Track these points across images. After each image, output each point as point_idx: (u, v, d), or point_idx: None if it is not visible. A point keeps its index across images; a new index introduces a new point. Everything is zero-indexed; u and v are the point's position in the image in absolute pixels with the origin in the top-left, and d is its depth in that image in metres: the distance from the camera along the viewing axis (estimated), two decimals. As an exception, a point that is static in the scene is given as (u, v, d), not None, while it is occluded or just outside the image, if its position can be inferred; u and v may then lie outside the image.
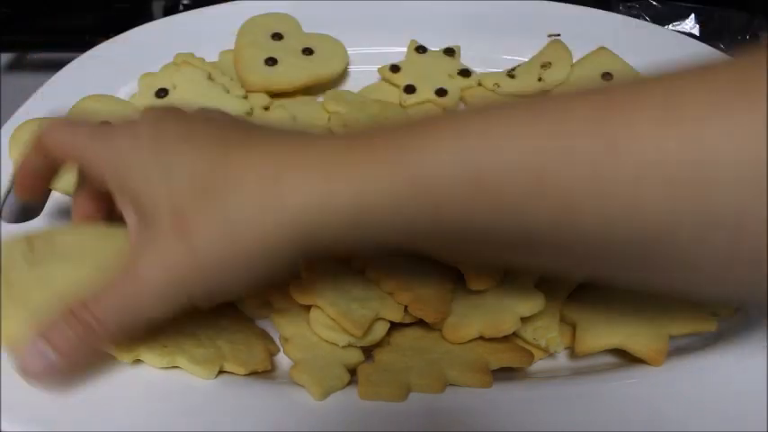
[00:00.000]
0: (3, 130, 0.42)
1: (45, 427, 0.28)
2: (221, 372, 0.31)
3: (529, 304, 0.32)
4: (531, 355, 0.32)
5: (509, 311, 0.32)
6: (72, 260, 0.32)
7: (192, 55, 0.48)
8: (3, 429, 0.28)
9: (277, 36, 0.50)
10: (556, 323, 0.33)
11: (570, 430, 0.29)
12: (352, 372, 0.31)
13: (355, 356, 0.31)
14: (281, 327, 0.33)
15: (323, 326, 0.31)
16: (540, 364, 0.33)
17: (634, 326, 0.32)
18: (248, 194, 0.25)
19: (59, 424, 0.28)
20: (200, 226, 0.26)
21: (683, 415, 0.29)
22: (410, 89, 0.48)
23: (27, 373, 0.28)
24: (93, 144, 0.29)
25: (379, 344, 0.32)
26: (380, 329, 0.32)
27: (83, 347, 0.28)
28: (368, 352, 0.32)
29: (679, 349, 0.33)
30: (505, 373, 0.32)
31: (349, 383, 0.31)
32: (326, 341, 0.31)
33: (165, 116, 0.29)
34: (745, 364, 0.31)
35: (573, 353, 0.33)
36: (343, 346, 0.31)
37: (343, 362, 0.31)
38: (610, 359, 0.33)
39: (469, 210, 0.24)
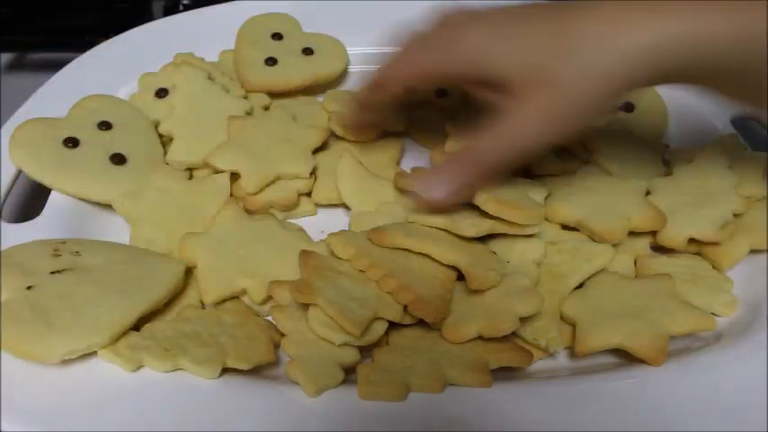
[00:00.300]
0: (3, 130, 0.42)
1: (45, 427, 0.28)
2: (226, 369, 0.31)
3: (528, 304, 0.32)
4: (531, 355, 0.32)
5: (508, 311, 0.32)
6: (93, 278, 0.33)
7: (191, 55, 0.48)
8: (3, 429, 0.28)
9: (277, 36, 0.50)
10: (555, 323, 0.33)
11: (570, 430, 0.29)
12: (348, 371, 0.31)
13: (351, 356, 0.31)
14: (280, 322, 0.33)
15: (320, 324, 0.31)
16: (540, 364, 0.33)
17: (634, 326, 0.32)
18: (598, 47, 0.30)
19: (59, 424, 0.28)
20: (565, 74, 0.31)
21: (683, 415, 0.29)
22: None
23: (429, 195, 0.34)
24: (439, 55, 0.34)
25: (377, 344, 0.32)
26: (379, 329, 0.32)
27: (474, 186, 0.35)
28: (365, 351, 0.32)
29: (679, 349, 0.33)
30: (505, 373, 0.32)
31: (344, 383, 0.31)
32: (323, 339, 0.31)
33: (484, 12, 0.34)
34: (745, 364, 0.31)
35: (573, 353, 0.33)
36: (340, 345, 0.31)
37: (339, 361, 0.31)
38: (610, 359, 0.33)
39: None
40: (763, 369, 0.31)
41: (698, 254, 0.38)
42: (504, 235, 0.36)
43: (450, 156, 0.35)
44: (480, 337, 0.32)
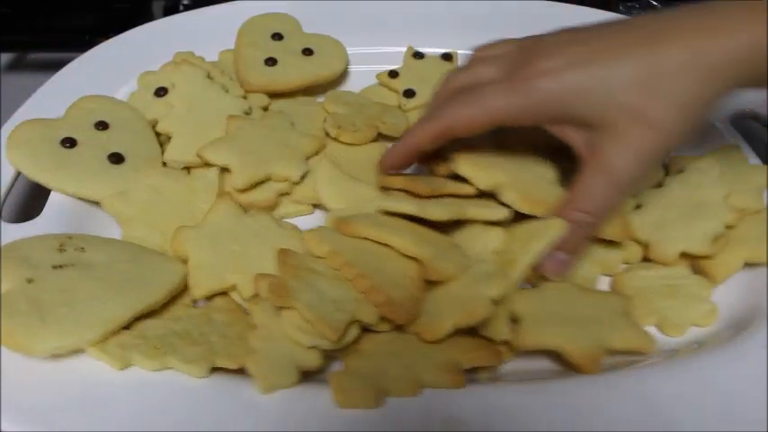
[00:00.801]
0: (3, 129, 0.42)
1: (45, 427, 0.28)
2: (218, 368, 0.31)
3: (496, 287, 0.32)
4: (501, 354, 0.32)
5: (479, 297, 0.32)
6: (93, 275, 0.33)
7: (191, 54, 0.48)
8: (3, 429, 0.28)
9: (277, 36, 0.50)
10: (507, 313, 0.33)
11: (570, 430, 0.29)
12: (307, 374, 0.31)
13: (312, 360, 0.31)
14: (254, 313, 0.32)
15: (293, 326, 0.31)
16: (539, 364, 0.33)
17: (575, 333, 0.33)
18: (685, 69, 0.30)
19: (59, 424, 0.28)
20: (661, 110, 0.31)
21: (683, 414, 0.29)
22: (409, 93, 0.48)
23: (553, 272, 0.35)
24: (513, 101, 0.33)
25: (346, 349, 0.32)
26: (353, 333, 0.31)
27: (584, 241, 0.35)
28: (330, 358, 0.32)
29: (679, 350, 0.33)
30: (504, 373, 0.32)
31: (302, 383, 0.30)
32: (293, 341, 0.31)
33: (551, 47, 0.33)
34: (745, 364, 0.31)
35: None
36: (308, 348, 0.31)
37: (298, 363, 0.31)
38: (610, 359, 0.33)
39: None
40: (763, 369, 0.31)
41: (692, 267, 0.37)
42: (470, 223, 0.36)
43: (555, 215, 0.34)
44: (452, 337, 0.32)
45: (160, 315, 0.33)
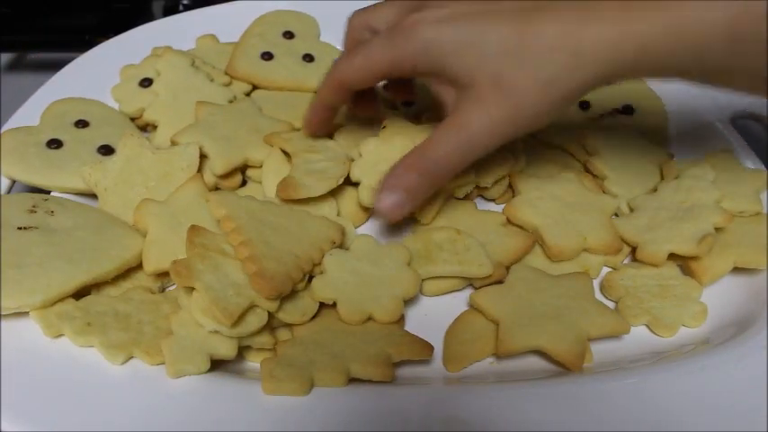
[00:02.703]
0: (3, 129, 0.42)
1: (45, 427, 0.28)
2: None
3: (405, 284, 0.34)
4: (431, 348, 0.32)
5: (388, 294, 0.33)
6: (51, 241, 0.33)
7: (170, 47, 0.48)
8: (3, 429, 0.28)
9: (288, 34, 0.50)
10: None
11: (570, 430, 0.29)
12: (219, 362, 0.31)
13: (224, 349, 0.30)
14: (180, 296, 0.32)
15: (199, 308, 0.30)
16: (538, 364, 0.33)
17: (555, 328, 0.33)
18: (554, 49, 0.30)
19: (59, 424, 0.28)
20: (519, 83, 0.31)
21: (683, 415, 0.29)
22: (409, 103, 0.47)
23: (381, 210, 0.34)
24: (394, 50, 0.33)
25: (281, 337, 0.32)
26: (255, 322, 0.31)
27: (423, 186, 0.34)
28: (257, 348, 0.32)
29: (679, 350, 0.33)
30: (504, 373, 0.32)
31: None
32: (199, 325, 0.30)
33: (447, 5, 0.33)
34: (745, 364, 0.31)
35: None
36: (211, 332, 0.30)
37: (210, 351, 0.30)
38: (610, 359, 0.33)
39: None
40: (763, 369, 0.31)
41: (681, 268, 0.37)
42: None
43: (400, 160, 0.35)
44: (384, 330, 0.32)
45: (118, 290, 0.34)
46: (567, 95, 0.32)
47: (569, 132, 0.43)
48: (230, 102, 0.45)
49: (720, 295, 0.36)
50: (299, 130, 0.42)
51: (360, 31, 0.37)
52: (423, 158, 0.34)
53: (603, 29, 0.30)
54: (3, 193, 0.40)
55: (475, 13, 0.32)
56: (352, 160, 0.39)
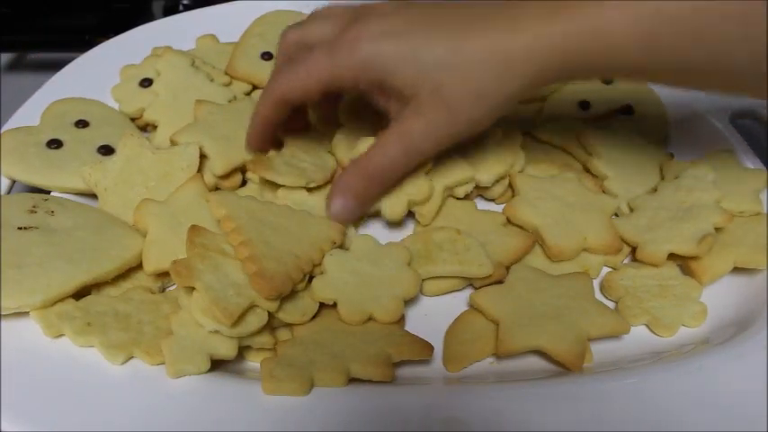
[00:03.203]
0: (3, 129, 0.42)
1: (45, 427, 0.28)
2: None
3: (406, 284, 0.34)
4: (431, 348, 0.32)
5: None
6: (51, 241, 0.33)
7: (170, 47, 0.48)
8: (3, 429, 0.28)
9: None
10: None
11: (570, 430, 0.29)
12: (219, 362, 0.31)
13: (224, 349, 0.31)
14: (180, 296, 0.32)
15: (199, 308, 0.30)
16: (538, 364, 0.33)
17: (555, 328, 0.33)
18: (484, 62, 0.32)
19: (59, 424, 0.28)
20: (455, 94, 0.33)
21: (683, 415, 0.29)
22: None
23: (332, 215, 0.36)
24: (335, 64, 0.34)
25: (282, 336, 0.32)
26: (255, 322, 0.31)
27: (370, 191, 0.36)
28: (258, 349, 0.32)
29: (679, 350, 0.33)
30: (504, 373, 0.32)
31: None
32: (198, 324, 0.31)
33: (379, 14, 0.34)
34: (745, 364, 0.31)
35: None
36: (211, 332, 0.30)
37: (209, 351, 0.30)
38: (610, 359, 0.33)
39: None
40: (763, 369, 0.31)
41: (681, 268, 0.37)
42: None
43: (347, 167, 0.36)
44: (384, 330, 0.32)
45: (118, 290, 0.34)
46: (500, 104, 0.33)
47: (569, 132, 0.43)
48: (230, 102, 0.45)
49: (720, 295, 0.36)
50: None
51: (294, 47, 0.37)
52: (369, 165, 0.35)
53: (528, 39, 0.31)
54: (3, 193, 0.40)
55: (415, 26, 0.33)
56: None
